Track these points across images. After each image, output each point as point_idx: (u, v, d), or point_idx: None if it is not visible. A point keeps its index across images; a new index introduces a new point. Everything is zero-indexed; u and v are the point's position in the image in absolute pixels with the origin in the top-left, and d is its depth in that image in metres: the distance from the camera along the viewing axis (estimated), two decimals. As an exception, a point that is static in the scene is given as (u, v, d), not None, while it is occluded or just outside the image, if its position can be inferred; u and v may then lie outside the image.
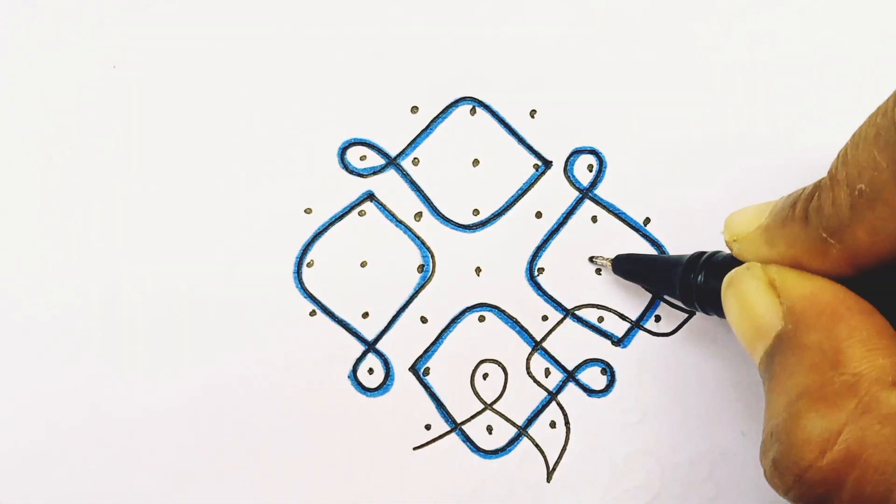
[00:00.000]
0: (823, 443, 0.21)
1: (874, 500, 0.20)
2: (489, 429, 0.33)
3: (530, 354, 0.33)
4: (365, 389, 0.32)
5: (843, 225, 0.22)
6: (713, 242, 0.32)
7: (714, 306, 0.27)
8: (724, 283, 0.26)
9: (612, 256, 0.32)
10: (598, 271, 0.33)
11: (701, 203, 0.33)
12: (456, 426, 0.32)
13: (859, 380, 0.21)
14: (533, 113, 0.34)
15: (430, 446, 0.32)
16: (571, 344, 0.33)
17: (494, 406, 0.33)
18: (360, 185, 0.33)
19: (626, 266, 0.32)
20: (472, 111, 0.34)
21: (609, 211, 0.33)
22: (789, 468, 0.21)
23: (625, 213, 0.33)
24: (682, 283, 0.28)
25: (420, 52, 0.34)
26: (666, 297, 0.33)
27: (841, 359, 0.21)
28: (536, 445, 0.32)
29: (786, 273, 0.24)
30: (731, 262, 0.26)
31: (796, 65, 0.33)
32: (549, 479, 0.32)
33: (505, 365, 0.33)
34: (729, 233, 0.26)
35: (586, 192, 0.33)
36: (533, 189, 0.33)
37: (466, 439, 0.32)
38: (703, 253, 0.28)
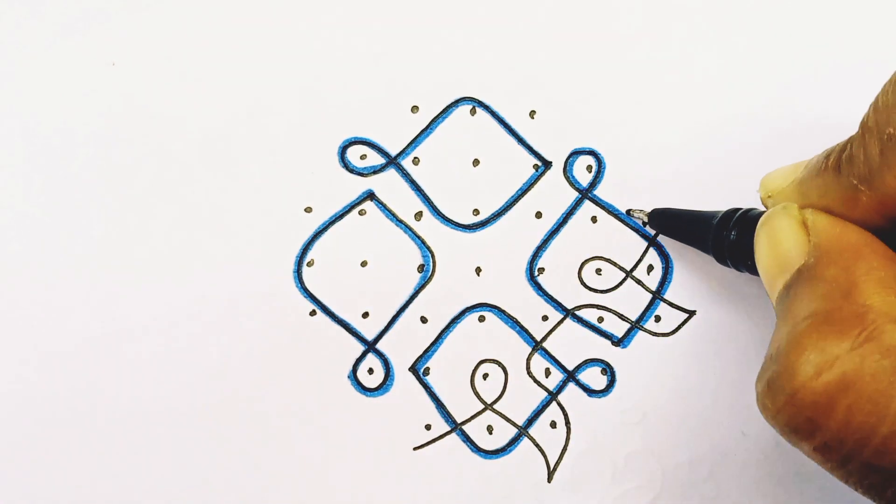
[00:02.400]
0: (821, 364, 0.20)
1: (862, 432, 0.20)
2: (489, 429, 0.32)
3: (530, 354, 0.33)
4: (365, 389, 0.32)
5: (872, 171, 0.22)
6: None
7: (744, 262, 0.28)
8: (760, 222, 0.26)
9: (649, 210, 0.32)
10: (599, 271, 0.33)
11: (700, 203, 0.33)
12: (456, 426, 0.32)
13: (868, 311, 0.21)
14: (532, 114, 0.34)
15: (430, 446, 0.32)
16: (571, 344, 0.33)
17: (495, 406, 0.33)
18: (361, 185, 0.33)
19: (661, 220, 0.32)
20: (472, 111, 0.34)
21: (609, 211, 0.33)
22: (782, 387, 0.21)
23: (624, 214, 0.33)
24: (714, 239, 0.29)
25: (420, 52, 0.34)
26: (665, 298, 0.33)
27: (854, 291, 0.21)
28: (537, 445, 0.32)
29: (818, 214, 0.24)
30: None
31: (795, 66, 0.33)
32: (549, 479, 0.32)
33: (505, 365, 0.33)
34: (764, 189, 0.27)
35: (586, 193, 0.33)
36: (533, 189, 0.33)
37: (467, 439, 0.32)
38: (738, 210, 0.29)
